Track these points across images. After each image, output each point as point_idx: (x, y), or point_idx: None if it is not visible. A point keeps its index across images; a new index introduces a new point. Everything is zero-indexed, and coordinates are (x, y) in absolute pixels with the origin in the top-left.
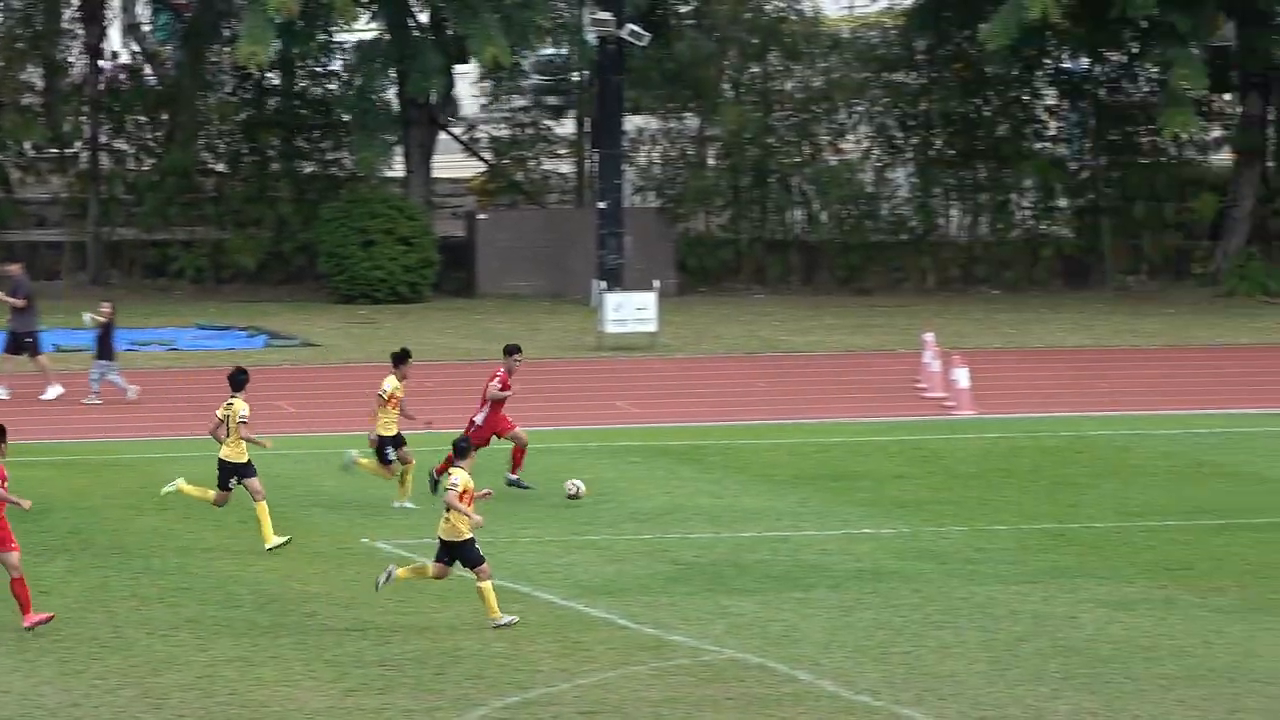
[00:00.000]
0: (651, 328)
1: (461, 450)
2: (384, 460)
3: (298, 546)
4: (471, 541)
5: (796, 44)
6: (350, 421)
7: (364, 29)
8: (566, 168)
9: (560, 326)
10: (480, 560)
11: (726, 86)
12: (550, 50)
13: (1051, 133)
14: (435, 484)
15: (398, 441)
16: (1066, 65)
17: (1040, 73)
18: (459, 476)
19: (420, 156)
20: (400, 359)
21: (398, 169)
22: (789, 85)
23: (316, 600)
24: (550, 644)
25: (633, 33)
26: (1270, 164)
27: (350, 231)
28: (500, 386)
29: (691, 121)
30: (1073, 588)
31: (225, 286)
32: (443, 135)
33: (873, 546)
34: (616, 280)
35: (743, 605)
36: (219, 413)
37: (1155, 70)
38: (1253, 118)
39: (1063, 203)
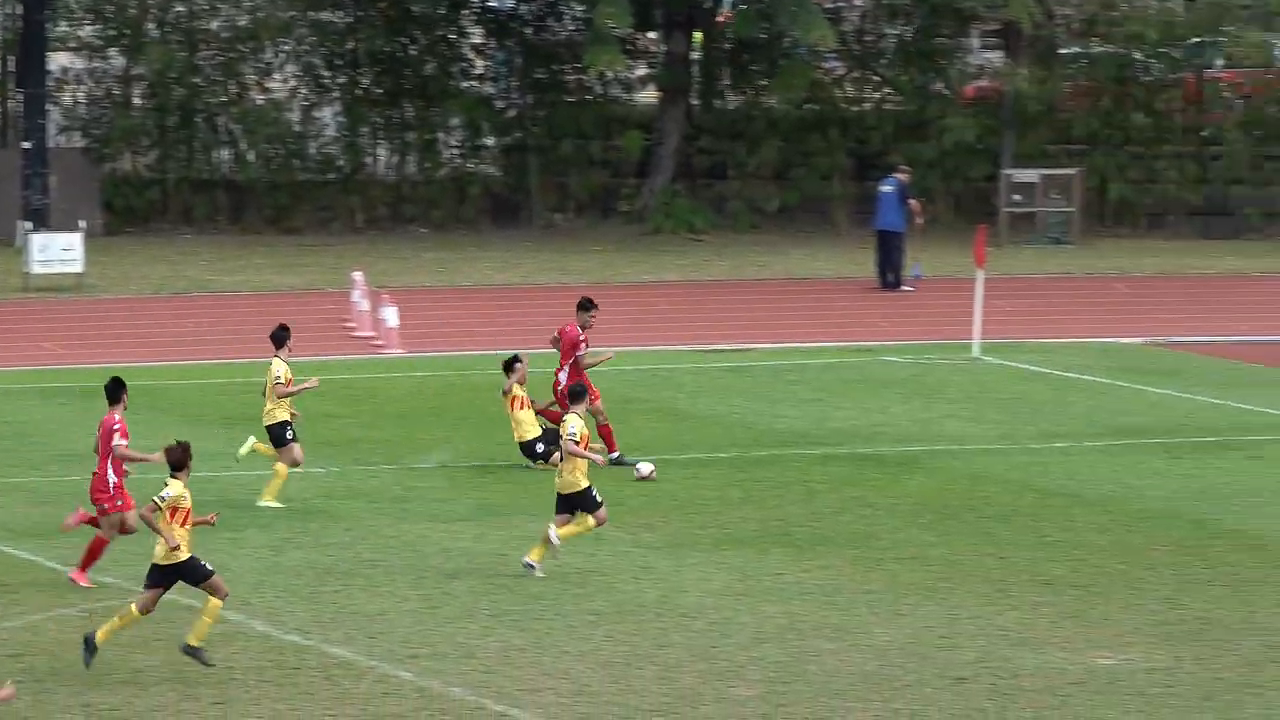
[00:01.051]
0: (78, 268)
1: (577, 395)
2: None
3: None
4: (590, 489)
5: None
6: None
7: None
8: None
9: None
10: (598, 505)
11: (152, 26)
12: None
13: (479, 71)
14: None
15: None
16: (493, 4)
17: (466, 11)
18: (576, 425)
19: None
20: (509, 365)
21: None
22: (214, 24)
23: None
24: None
25: None
26: (695, 102)
27: None
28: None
29: (117, 61)
30: (504, 525)
31: None
32: None
33: (302, 486)
34: (42, 221)
35: None
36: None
37: (580, 9)
38: (676, 56)
39: (490, 141)
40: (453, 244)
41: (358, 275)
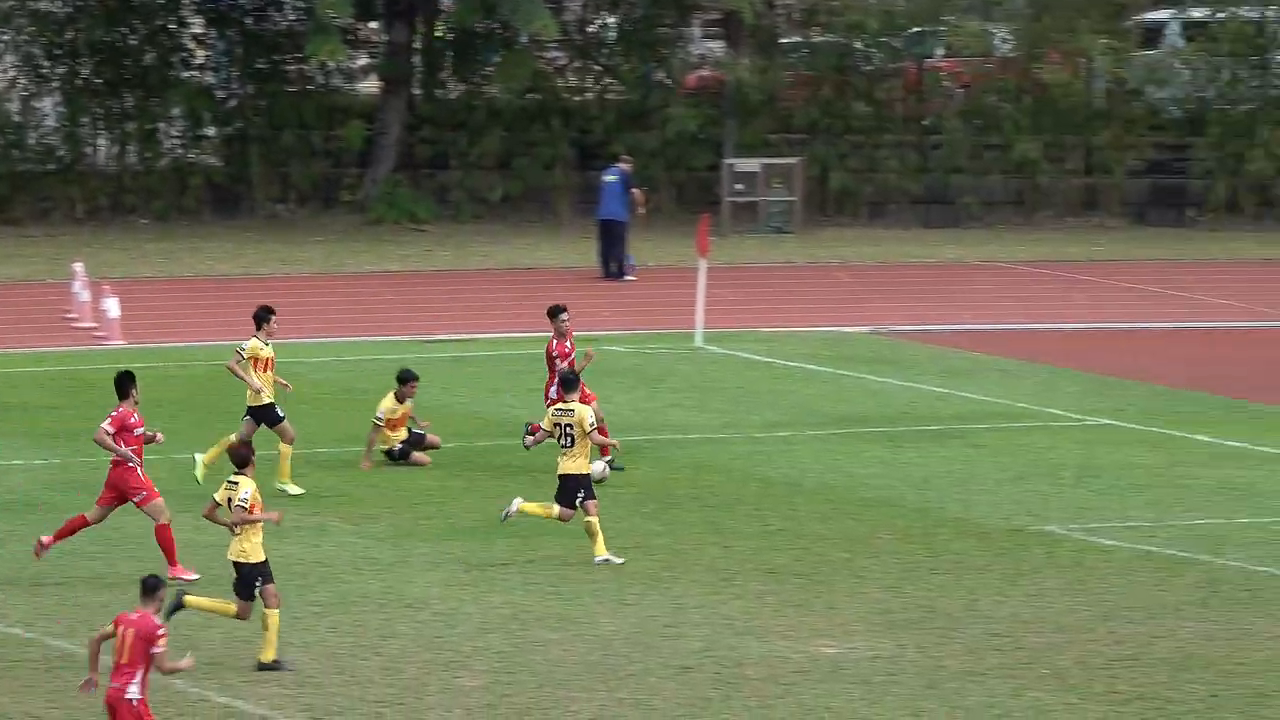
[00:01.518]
0: None
1: (570, 383)
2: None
3: None
4: (590, 476)
5: None
6: None
7: None
8: None
9: None
10: (593, 496)
11: None
12: None
13: (199, 61)
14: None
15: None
16: None
17: (187, 0)
18: (591, 414)
19: None
20: (404, 380)
21: None
22: None
23: None
24: None
25: None
26: (417, 92)
27: None
28: (558, 356)
29: None
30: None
31: None
32: None
33: (25, 478)
34: None
35: None
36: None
37: None
38: (398, 46)
39: (211, 131)
40: (174, 234)
41: (78, 266)
